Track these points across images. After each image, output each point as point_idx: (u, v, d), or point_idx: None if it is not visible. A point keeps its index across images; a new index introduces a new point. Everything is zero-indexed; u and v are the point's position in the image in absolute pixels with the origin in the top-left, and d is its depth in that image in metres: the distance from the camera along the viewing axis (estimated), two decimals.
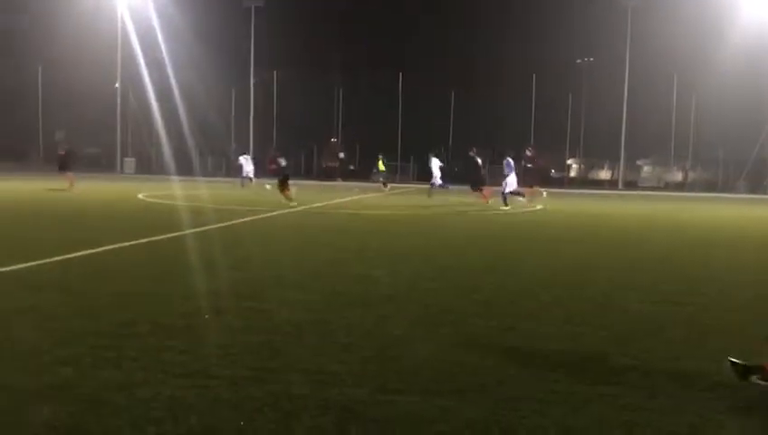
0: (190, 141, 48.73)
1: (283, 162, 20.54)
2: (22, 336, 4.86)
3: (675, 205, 27.90)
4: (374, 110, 61.45)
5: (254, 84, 58.57)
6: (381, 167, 35.76)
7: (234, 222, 14.19)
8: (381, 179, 34.25)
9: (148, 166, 54.32)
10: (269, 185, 25.94)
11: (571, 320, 5.93)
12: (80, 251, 8.94)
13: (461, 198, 24.70)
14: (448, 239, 12.79)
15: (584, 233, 14.65)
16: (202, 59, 51.78)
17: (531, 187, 25.63)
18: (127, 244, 9.93)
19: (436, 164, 27.05)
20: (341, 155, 59.50)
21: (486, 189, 22.73)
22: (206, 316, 5.63)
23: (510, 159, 21.48)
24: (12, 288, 6.55)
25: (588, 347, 5.12)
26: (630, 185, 52.80)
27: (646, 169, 59.01)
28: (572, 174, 62.95)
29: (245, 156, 33.01)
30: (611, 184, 54.74)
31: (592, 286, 7.66)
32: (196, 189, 26.88)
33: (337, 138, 64.08)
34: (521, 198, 22.11)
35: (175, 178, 34.74)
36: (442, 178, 27.33)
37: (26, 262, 7.89)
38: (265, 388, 3.95)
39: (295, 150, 62.31)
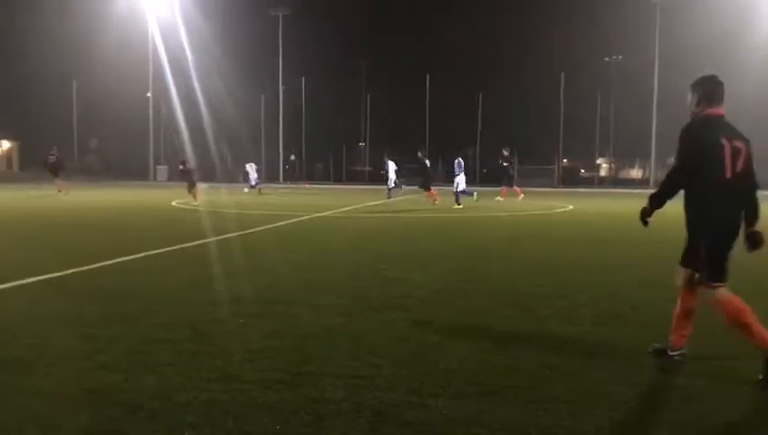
0: (221, 149, 49.25)
1: (191, 167, 24.40)
2: (62, 342, 4.95)
3: None
4: (401, 112, 61.54)
5: (282, 91, 59.04)
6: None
7: (264, 227, 14.29)
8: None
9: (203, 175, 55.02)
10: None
11: (605, 321, 5.88)
12: (116, 258, 9.08)
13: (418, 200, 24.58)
14: (477, 241, 12.73)
15: (617, 234, 14.49)
16: (231, 67, 52.42)
17: (511, 187, 27.15)
18: (161, 250, 10.07)
19: (392, 167, 27.72)
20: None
21: (434, 190, 24.12)
22: (241, 320, 5.69)
23: (461, 160, 23.12)
24: (51, 295, 6.67)
25: (624, 346, 5.06)
26: None
27: None
28: (602, 173, 62.32)
29: (251, 164, 33.21)
30: (642, 183, 54.06)
31: (627, 287, 7.57)
32: (228, 196, 27.12)
33: (365, 142, 64.29)
34: (474, 197, 23.58)
35: (207, 185, 35.08)
36: (395, 180, 28.11)
37: (66, 269, 8.04)
38: (299, 392, 3.98)
39: (324, 155, 62.82)
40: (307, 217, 17.29)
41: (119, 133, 58.14)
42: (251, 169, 32.67)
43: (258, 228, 13.95)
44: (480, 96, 57.49)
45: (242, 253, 10.06)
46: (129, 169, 56.02)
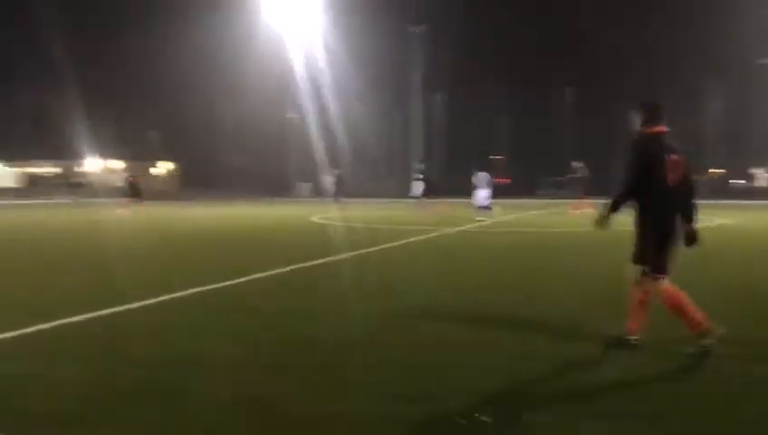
0: (360, 164, 50.65)
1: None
2: (220, 351, 5.25)
3: None
4: (539, 126, 60.39)
5: (422, 106, 59.76)
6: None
7: (407, 241, 14.47)
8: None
9: (323, 189, 57.07)
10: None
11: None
12: (264, 271, 9.52)
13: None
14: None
15: None
16: (368, 85, 53.79)
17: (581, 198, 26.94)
18: (304, 265, 10.42)
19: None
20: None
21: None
22: (384, 334, 5.79)
23: (485, 174, 23.52)
24: (207, 307, 7.10)
25: None
26: None
27: None
28: (761, 183, 57.77)
29: (336, 172, 33.50)
30: None
31: None
32: (371, 211, 27.71)
33: (503, 155, 63.66)
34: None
35: (350, 200, 36.06)
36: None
37: (218, 283, 8.51)
38: (442, 407, 3.99)
39: (466, 169, 62.72)
40: (437, 232, 17.31)
41: (262, 152, 61.20)
42: (333, 178, 32.59)
43: (394, 243, 14.13)
44: (623, 107, 55.10)
45: (380, 268, 10.25)
46: (272, 185, 58.69)
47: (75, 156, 60.07)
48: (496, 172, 62.49)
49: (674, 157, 5.04)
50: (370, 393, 4.24)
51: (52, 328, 5.95)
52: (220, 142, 63.97)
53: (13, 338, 5.62)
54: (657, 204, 5.02)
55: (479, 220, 21.17)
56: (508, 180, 59.04)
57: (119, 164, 63.28)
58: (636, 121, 5.26)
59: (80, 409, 3.97)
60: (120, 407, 4.01)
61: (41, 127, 61.89)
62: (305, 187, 57.17)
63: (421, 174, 29.10)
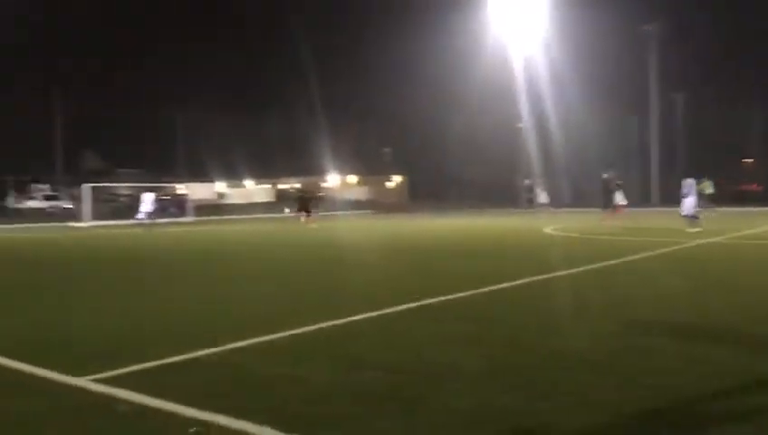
0: (596, 172, 48.71)
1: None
2: (459, 361, 5.30)
3: None
4: None
5: (657, 110, 56.13)
6: (709, 189, 32.07)
7: (644, 255, 13.64)
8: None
9: (556, 199, 55.88)
10: None
11: None
12: (500, 284, 9.48)
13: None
14: None
15: None
16: (598, 89, 51.67)
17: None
18: (536, 278, 10.24)
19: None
20: None
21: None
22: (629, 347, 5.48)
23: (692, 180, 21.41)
24: (440, 317, 7.24)
25: None
26: None
27: None
28: None
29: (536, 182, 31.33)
30: None
31: None
32: (602, 222, 26.58)
33: (754, 159, 57.61)
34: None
35: (584, 210, 34.89)
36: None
37: (449, 294, 8.64)
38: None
39: (712, 173, 57.80)
40: (691, 243, 16.02)
41: (490, 163, 61.39)
42: (540, 189, 30.17)
43: (637, 256, 13.36)
44: None
45: (627, 281, 9.75)
46: (502, 196, 58.57)
47: (318, 172, 65.18)
48: (745, 178, 56.67)
49: None
50: (616, 416, 4.03)
51: (304, 333, 6.46)
52: (449, 155, 65.44)
53: (269, 341, 6.19)
54: None
55: (694, 230, 19.09)
56: (759, 187, 53.21)
57: (353, 179, 67.60)
58: None
59: (328, 411, 4.22)
60: (366, 412, 4.18)
61: (291, 147, 68.11)
62: (541, 196, 56.32)
63: (618, 181, 26.69)
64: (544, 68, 52.68)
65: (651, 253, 13.88)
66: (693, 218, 20.37)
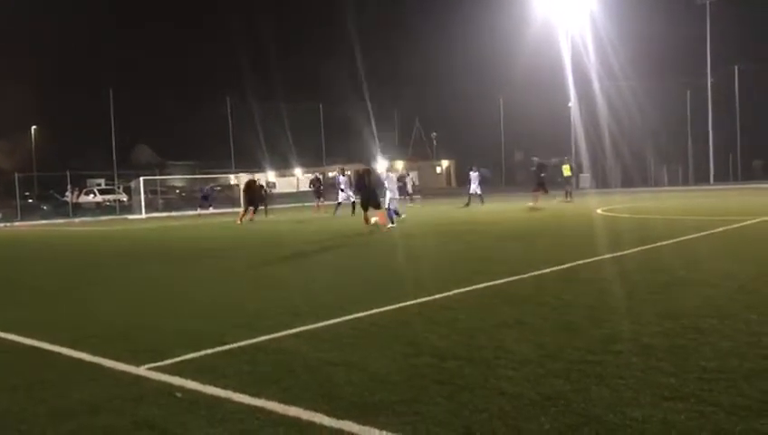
0: (646, 151, 47.71)
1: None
2: (513, 347, 5.27)
3: None
4: None
5: (711, 84, 54.41)
6: (567, 172, 32.68)
7: (699, 234, 13.28)
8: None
9: (604, 180, 54.74)
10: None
11: None
12: (551, 267, 9.38)
13: None
14: None
15: None
16: (651, 63, 50.35)
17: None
18: (593, 259, 10.09)
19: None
20: None
21: None
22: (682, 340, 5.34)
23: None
24: (495, 302, 7.19)
25: None
26: None
27: None
28: None
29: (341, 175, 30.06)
30: None
31: None
32: (656, 201, 26.01)
33: None
34: None
35: (633, 190, 34.22)
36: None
37: (506, 277, 8.61)
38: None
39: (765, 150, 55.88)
40: (750, 221, 15.52)
41: (542, 144, 60.59)
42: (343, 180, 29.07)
43: (692, 235, 13.01)
44: None
45: (679, 262, 9.50)
46: (553, 178, 57.79)
47: (365, 158, 65.31)
48: None
49: None
50: (672, 399, 3.93)
51: (358, 318, 6.51)
52: (500, 139, 64.93)
53: (325, 327, 6.25)
54: None
55: None
56: None
57: (399, 165, 67.66)
58: None
59: (386, 398, 4.23)
60: (418, 398, 4.18)
61: (338, 135, 68.45)
62: (585, 177, 55.26)
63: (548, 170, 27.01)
64: (598, 48, 51.59)
65: (706, 233, 13.51)
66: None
